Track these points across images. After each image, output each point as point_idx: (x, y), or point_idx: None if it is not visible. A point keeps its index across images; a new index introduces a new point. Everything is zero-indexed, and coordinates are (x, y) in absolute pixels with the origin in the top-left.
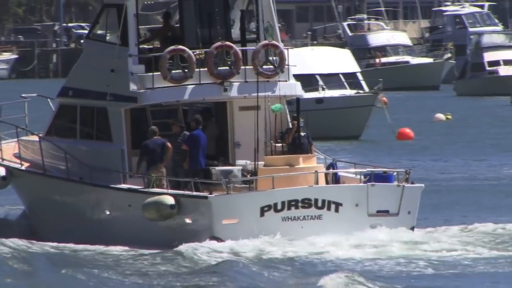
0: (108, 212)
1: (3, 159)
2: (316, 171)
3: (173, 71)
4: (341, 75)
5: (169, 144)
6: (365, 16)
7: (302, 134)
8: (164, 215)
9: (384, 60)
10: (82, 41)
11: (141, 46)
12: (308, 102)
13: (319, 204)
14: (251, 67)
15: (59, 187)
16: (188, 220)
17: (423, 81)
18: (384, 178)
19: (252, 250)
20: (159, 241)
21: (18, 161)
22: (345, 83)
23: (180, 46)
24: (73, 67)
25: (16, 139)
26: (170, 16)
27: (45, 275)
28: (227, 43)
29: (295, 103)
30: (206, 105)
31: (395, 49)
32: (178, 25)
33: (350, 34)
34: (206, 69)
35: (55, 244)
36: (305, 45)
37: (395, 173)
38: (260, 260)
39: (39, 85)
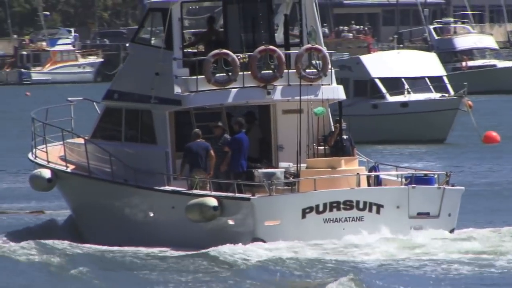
0: (152, 214)
1: (49, 162)
2: (357, 173)
3: (217, 75)
4: (426, 79)
5: (212, 152)
6: (451, 19)
7: (345, 137)
8: (207, 216)
9: (470, 63)
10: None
11: (185, 50)
12: (393, 106)
13: (361, 206)
14: (294, 70)
15: (103, 189)
16: (231, 222)
17: (510, 84)
18: (425, 180)
19: (292, 251)
20: (202, 242)
21: (64, 163)
22: (430, 87)
23: (224, 50)
24: (118, 70)
25: (62, 142)
26: (214, 21)
27: (88, 278)
28: (271, 47)
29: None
30: (249, 109)
31: (482, 52)
32: (222, 30)
33: (436, 37)
34: (249, 72)
35: (99, 246)
36: (391, 48)
37: (436, 176)
38: (298, 260)
39: None
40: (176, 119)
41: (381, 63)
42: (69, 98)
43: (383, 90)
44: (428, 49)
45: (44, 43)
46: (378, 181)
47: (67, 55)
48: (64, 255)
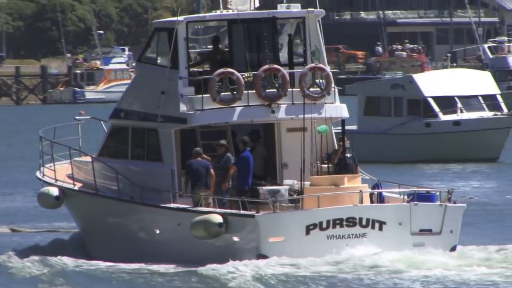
0: (158, 231)
1: (56, 180)
2: (360, 190)
3: (222, 93)
4: (480, 97)
5: (212, 171)
6: (505, 38)
7: (348, 155)
8: (212, 233)
9: None
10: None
11: (191, 69)
12: (445, 124)
13: (364, 222)
14: (298, 89)
15: (110, 206)
16: (235, 238)
17: None
18: (427, 198)
19: (295, 267)
20: (208, 259)
21: (71, 181)
22: (484, 105)
23: (229, 69)
24: (125, 89)
25: (69, 160)
26: (219, 40)
27: None
28: (275, 66)
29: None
30: (254, 127)
31: None
32: (227, 49)
33: (490, 56)
34: (254, 91)
35: (105, 263)
36: (445, 67)
37: (437, 193)
38: (301, 276)
39: None
40: (181, 137)
41: (434, 82)
42: (76, 117)
43: (436, 109)
44: (482, 67)
45: (98, 62)
46: (381, 199)
47: (121, 74)
48: (67, 271)
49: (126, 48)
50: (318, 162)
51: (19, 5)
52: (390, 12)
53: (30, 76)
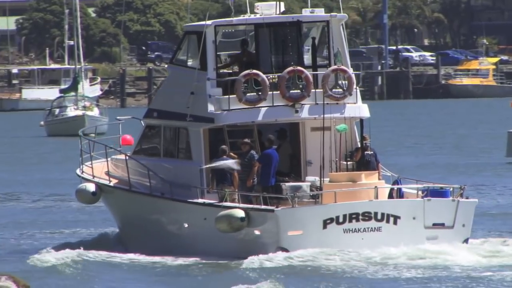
0: (186, 225)
1: (94, 176)
2: (375, 186)
3: (247, 94)
4: None
5: (236, 174)
6: None
7: (370, 152)
8: (235, 227)
9: None
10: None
11: (221, 71)
12: None
13: (379, 217)
14: (321, 90)
15: (142, 201)
16: (257, 232)
17: None
18: (440, 193)
19: (313, 259)
20: (231, 251)
21: (107, 178)
22: None
23: (255, 71)
24: (158, 90)
25: (107, 158)
26: (247, 43)
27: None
28: (299, 68)
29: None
30: (282, 126)
31: None
32: (255, 51)
33: None
34: (278, 92)
35: (139, 255)
36: None
37: (451, 189)
38: (319, 268)
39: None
40: (210, 136)
41: None
42: (118, 117)
43: None
44: None
45: None
46: (400, 194)
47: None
48: (100, 263)
49: None
50: (337, 159)
51: (204, 5)
52: None
53: None
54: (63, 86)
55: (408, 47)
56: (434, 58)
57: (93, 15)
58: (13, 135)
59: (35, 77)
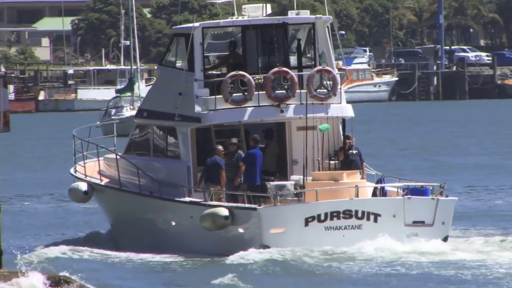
0: (174, 223)
1: (86, 175)
2: (356, 185)
3: (234, 94)
4: None
5: (223, 173)
6: None
7: (354, 152)
8: (219, 225)
9: None
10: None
11: (210, 72)
12: None
13: (359, 215)
14: (306, 90)
15: (131, 200)
16: (240, 230)
17: None
18: (421, 191)
19: (295, 256)
20: (216, 249)
21: (99, 177)
22: None
23: (241, 72)
24: (148, 90)
25: (99, 158)
26: (236, 45)
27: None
28: (284, 68)
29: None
30: (269, 126)
31: None
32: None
33: None
34: (264, 92)
35: (128, 252)
36: None
37: (431, 187)
38: (300, 265)
39: (419, 108)
40: (197, 136)
41: None
42: (113, 117)
43: None
44: None
45: (340, 62)
46: (383, 193)
47: (362, 74)
48: (93, 261)
49: (367, 49)
50: (319, 158)
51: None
52: None
53: None
54: (119, 87)
55: (464, 47)
56: (490, 58)
57: (149, 15)
58: (70, 135)
59: (91, 78)
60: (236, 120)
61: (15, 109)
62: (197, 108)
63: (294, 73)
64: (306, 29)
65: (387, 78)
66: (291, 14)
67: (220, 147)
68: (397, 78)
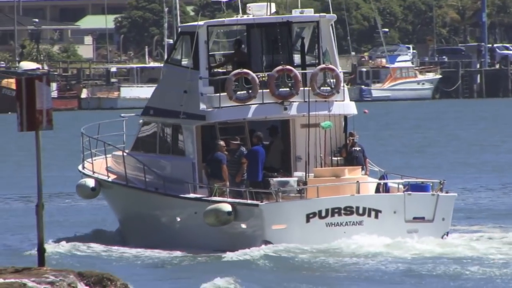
0: (178, 219)
1: (94, 172)
2: (357, 181)
3: (238, 92)
4: None
5: (225, 167)
6: None
7: (357, 148)
8: (222, 221)
9: None
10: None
11: (216, 70)
12: None
13: (360, 211)
14: (310, 88)
15: (138, 196)
16: (243, 226)
17: None
18: (421, 188)
19: (296, 252)
20: (220, 244)
21: (107, 173)
22: None
23: (245, 70)
24: (155, 88)
25: (107, 155)
26: (241, 43)
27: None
28: (288, 67)
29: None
30: (274, 123)
31: None
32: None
33: None
34: (268, 90)
35: (134, 249)
36: None
37: (431, 184)
38: (302, 261)
39: (462, 105)
40: (202, 133)
41: None
42: (122, 115)
43: None
44: None
45: (383, 60)
46: (386, 189)
47: (406, 72)
48: (100, 256)
49: (411, 46)
50: (321, 155)
51: (304, 4)
52: None
53: None
54: None
55: (507, 45)
56: None
57: (192, 13)
58: (114, 132)
59: (134, 76)
60: (240, 117)
61: (58, 107)
62: (202, 106)
63: (297, 71)
64: (311, 27)
65: (431, 76)
66: (295, 12)
67: (221, 143)
68: (440, 76)
